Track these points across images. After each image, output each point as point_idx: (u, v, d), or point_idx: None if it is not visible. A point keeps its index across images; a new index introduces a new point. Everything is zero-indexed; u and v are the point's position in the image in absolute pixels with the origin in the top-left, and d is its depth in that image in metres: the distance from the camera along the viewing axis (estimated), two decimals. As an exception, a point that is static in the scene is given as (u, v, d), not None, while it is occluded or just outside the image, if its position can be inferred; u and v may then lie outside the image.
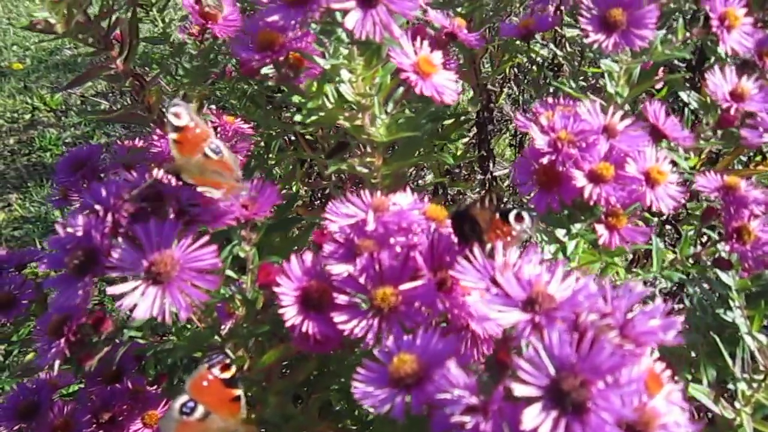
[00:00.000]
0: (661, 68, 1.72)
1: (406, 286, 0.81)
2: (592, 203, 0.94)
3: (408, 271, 0.83)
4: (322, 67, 1.01)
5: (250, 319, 0.96)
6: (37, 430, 1.28)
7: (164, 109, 1.40)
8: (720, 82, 1.10)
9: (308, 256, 0.88)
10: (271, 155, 1.69)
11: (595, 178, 0.96)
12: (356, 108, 1.09)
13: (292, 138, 1.71)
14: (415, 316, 0.80)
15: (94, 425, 1.35)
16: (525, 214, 0.88)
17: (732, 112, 1.07)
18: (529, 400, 0.58)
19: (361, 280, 0.82)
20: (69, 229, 0.79)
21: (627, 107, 1.26)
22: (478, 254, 0.79)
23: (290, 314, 0.82)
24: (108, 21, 1.30)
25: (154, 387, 1.37)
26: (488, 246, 0.82)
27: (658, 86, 1.33)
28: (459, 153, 1.80)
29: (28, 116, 4.07)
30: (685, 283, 1.18)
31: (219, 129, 1.37)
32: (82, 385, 1.38)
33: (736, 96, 1.09)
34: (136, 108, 1.42)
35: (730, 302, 1.18)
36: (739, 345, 1.24)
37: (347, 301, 0.82)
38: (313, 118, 1.07)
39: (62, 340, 0.87)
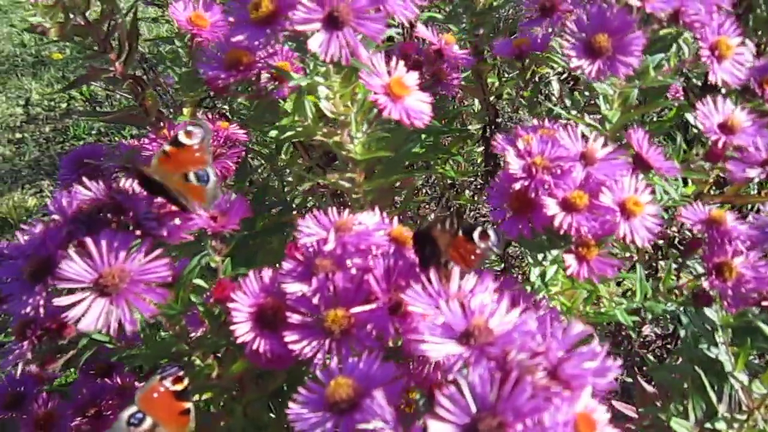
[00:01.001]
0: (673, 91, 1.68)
1: (357, 309, 0.80)
2: (562, 232, 0.92)
3: (362, 293, 0.82)
4: (297, 84, 1.00)
5: (214, 331, 0.96)
6: (22, 420, 1.30)
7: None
8: (710, 113, 1.07)
9: (268, 273, 0.88)
10: (282, 156, 1.69)
11: (567, 206, 0.94)
12: (334, 125, 1.09)
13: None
14: (365, 340, 0.80)
15: (80, 419, 1.37)
16: (491, 232, 0.87)
17: (720, 145, 1.04)
18: (445, 439, 0.57)
19: (315, 300, 0.82)
20: (26, 237, 0.80)
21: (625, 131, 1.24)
22: (434, 278, 0.78)
23: (241, 331, 0.82)
24: (108, 25, 1.32)
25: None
26: (450, 267, 0.81)
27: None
28: (462, 168, 1.79)
29: (64, 105, 4.17)
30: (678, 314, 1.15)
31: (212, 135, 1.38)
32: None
33: (727, 128, 1.06)
34: (135, 110, 1.44)
35: (716, 337, 1.15)
36: (726, 381, 1.21)
37: (299, 320, 0.82)
38: (289, 133, 1.07)
39: (25, 343, 0.88)
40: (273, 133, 1.06)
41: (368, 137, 1.08)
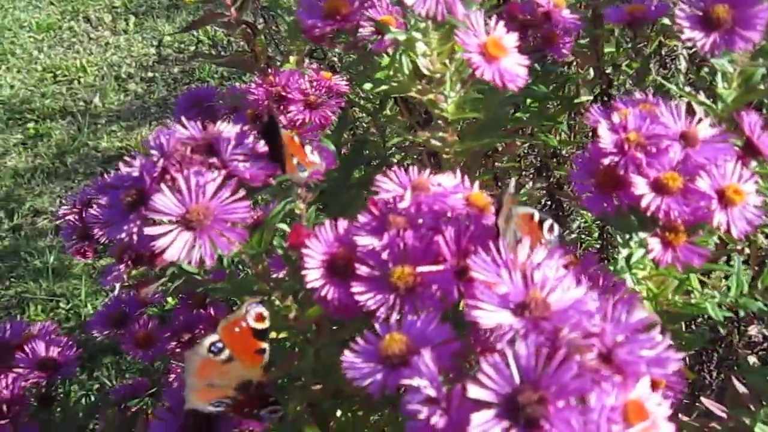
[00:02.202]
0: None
1: (424, 268, 0.81)
2: (649, 214, 0.88)
3: (430, 254, 0.83)
4: (395, 38, 1.01)
5: (291, 275, 1.00)
6: (123, 337, 1.43)
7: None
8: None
9: (343, 224, 0.90)
10: (386, 112, 1.71)
11: (659, 188, 0.89)
12: (429, 82, 1.08)
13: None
14: (428, 299, 0.81)
15: (175, 342, 1.48)
16: (556, 227, 0.87)
17: None
18: (482, 405, 0.57)
19: (384, 255, 0.84)
20: (127, 169, 0.86)
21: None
22: (503, 248, 0.77)
23: (311, 277, 0.85)
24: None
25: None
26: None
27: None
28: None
29: (192, 48, 4.37)
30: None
31: (314, 84, 1.41)
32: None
33: None
34: (246, 55, 1.50)
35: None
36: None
37: (368, 273, 0.84)
38: (383, 88, 1.07)
39: (122, 266, 0.96)
40: (367, 86, 1.07)
41: (461, 97, 1.07)
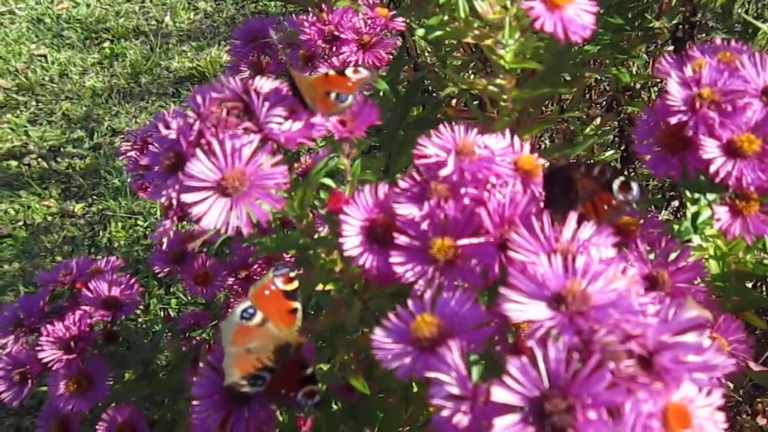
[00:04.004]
0: None
1: (464, 241, 0.77)
2: (717, 180, 0.80)
3: (472, 226, 0.79)
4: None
5: (333, 233, 0.98)
6: (183, 273, 1.48)
7: None
8: None
9: (384, 188, 0.87)
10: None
11: (732, 151, 0.80)
12: (487, 27, 1.00)
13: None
14: (468, 274, 0.77)
15: (232, 279, 1.52)
16: (634, 185, 0.79)
17: None
18: (507, 409, 0.55)
19: (424, 225, 0.80)
20: (165, 131, 0.85)
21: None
22: (546, 223, 0.72)
23: (349, 245, 0.83)
24: None
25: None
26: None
27: None
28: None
29: (259, -34, 4.27)
30: None
31: (369, 23, 1.34)
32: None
33: None
34: (300, -11, 1.44)
35: None
36: None
37: (407, 243, 0.81)
38: (438, 33, 1.00)
39: (167, 222, 0.97)
40: (420, 32, 1.00)
41: (520, 45, 0.99)
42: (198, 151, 0.80)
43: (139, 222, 3.16)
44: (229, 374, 0.83)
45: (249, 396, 0.87)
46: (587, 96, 1.82)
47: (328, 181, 1.03)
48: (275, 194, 0.81)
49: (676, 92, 0.82)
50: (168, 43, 3.95)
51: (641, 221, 0.96)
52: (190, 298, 2.72)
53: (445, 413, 0.58)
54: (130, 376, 1.42)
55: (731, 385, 1.69)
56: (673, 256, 0.91)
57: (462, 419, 0.57)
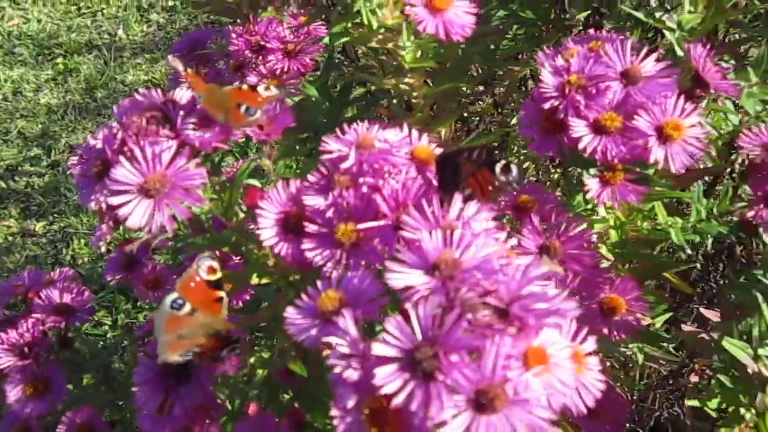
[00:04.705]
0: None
1: (363, 225, 0.87)
2: (587, 155, 0.91)
3: (371, 211, 0.88)
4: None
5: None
6: (134, 279, 1.54)
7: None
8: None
9: (295, 183, 0.96)
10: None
11: (598, 129, 0.91)
12: (389, 31, 1.10)
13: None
14: (370, 254, 0.87)
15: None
16: (513, 167, 0.88)
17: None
18: (386, 360, 0.64)
19: (329, 213, 0.89)
20: (92, 141, 0.93)
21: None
22: (435, 204, 0.82)
23: (265, 235, 0.92)
24: None
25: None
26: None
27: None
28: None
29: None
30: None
31: (294, 31, 1.43)
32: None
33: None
34: (230, 4, 1.51)
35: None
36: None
37: (316, 230, 0.90)
38: (345, 39, 1.09)
39: (104, 226, 1.04)
40: (326, 39, 1.09)
41: (418, 46, 1.08)
42: (121, 158, 0.88)
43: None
44: (163, 354, 0.91)
45: (187, 380, 0.96)
46: (521, 88, 1.92)
47: (254, 182, 1.11)
48: (196, 193, 0.89)
49: (548, 80, 0.93)
50: (122, 56, 3.98)
51: (537, 198, 1.07)
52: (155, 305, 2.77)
53: (337, 370, 0.67)
54: (88, 380, 1.48)
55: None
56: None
57: (352, 374, 0.66)
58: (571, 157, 0.95)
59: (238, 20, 1.53)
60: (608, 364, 2.06)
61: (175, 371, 0.96)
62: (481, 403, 0.61)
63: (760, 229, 0.96)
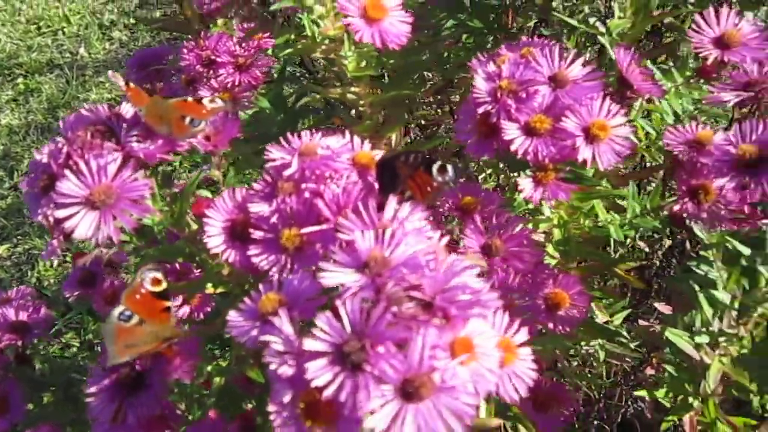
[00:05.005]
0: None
1: (306, 229, 0.90)
2: (519, 157, 0.95)
3: (314, 216, 0.91)
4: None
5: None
6: (93, 296, 1.55)
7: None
8: (708, 25, 1.00)
9: (241, 192, 0.98)
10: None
11: (529, 131, 0.95)
12: (332, 42, 1.13)
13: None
14: (313, 257, 0.90)
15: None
16: (449, 167, 0.92)
17: (710, 61, 0.98)
18: (318, 355, 0.67)
19: (274, 219, 0.92)
20: (38, 156, 0.95)
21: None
22: (371, 206, 0.85)
23: (212, 243, 0.95)
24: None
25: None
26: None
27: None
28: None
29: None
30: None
31: (242, 44, 1.46)
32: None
33: (722, 43, 0.99)
34: (179, 19, 1.54)
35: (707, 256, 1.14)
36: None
37: (261, 236, 0.93)
38: (288, 51, 1.13)
39: (55, 241, 1.06)
40: (269, 51, 1.12)
41: (359, 55, 1.12)
42: (66, 172, 0.90)
43: (68, 259, 3.15)
44: (111, 359, 0.93)
45: (140, 389, 0.98)
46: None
47: (206, 193, 1.14)
48: (143, 204, 0.92)
49: (481, 86, 0.97)
50: (84, 75, 3.97)
51: (481, 200, 1.11)
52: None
53: (272, 367, 0.70)
54: (49, 398, 1.49)
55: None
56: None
57: (286, 370, 0.69)
58: (505, 160, 0.99)
59: (190, 36, 1.56)
60: (574, 363, 2.12)
61: (129, 380, 0.98)
62: (408, 391, 0.65)
63: (689, 222, 1.01)
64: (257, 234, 0.92)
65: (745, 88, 0.94)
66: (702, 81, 1.04)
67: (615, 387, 2.16)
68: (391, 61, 1.17)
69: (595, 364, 2.17)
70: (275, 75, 1.57)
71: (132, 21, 4.32)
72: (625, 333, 1.76)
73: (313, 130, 1.01)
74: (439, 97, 1.88)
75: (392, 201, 0.85)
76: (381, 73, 1.27)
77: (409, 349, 0.66)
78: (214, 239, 0.95)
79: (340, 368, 0.66)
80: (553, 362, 1.83)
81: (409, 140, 1.86)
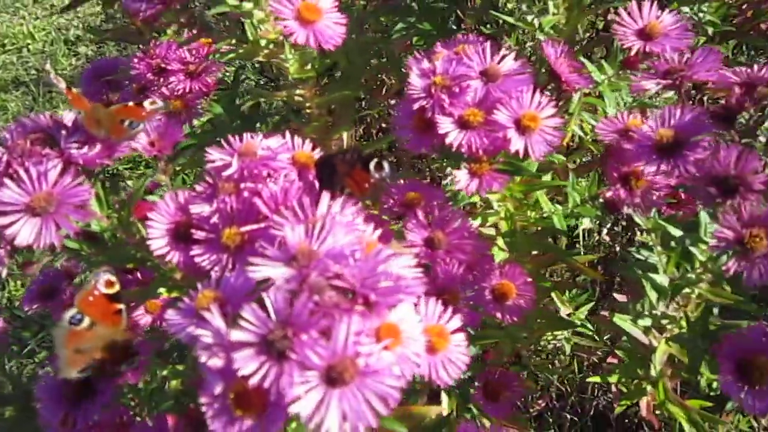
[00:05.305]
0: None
1: (245, 228, 0.92)
2: (454, 149, 0.97)
3: (253, 214, 0.93)
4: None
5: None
6: (54, 309, 1.56)
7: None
8: (632, 18, 1.04)
9: (184, 194, 1.00)
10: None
11: (462, 124, 0.98)
12: (274, 45, 1.16)
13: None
14: (254, 255, 0.91)
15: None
16: (384, 163, 0.95)
17: (633, 52, 1.02)
18: (244, 345, 0.69)
19: (215, 219, 0.94)
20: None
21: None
22: (305, 202, 0.87)
23: (155, 245, 0.96)
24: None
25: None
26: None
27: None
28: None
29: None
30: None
31: (194, 51, 1.48)
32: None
33: (645, 34, 1.03)
34: (130, 29, 1.56)
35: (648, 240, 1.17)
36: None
37: (203, 236, 0.94)
38: (231, 55, 1.15)
39: (1, 251, 1.07)
40: (212, 56, 1.14)
41: (301, 57, 1.14)
42: (6, 180, 0.91)
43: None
44: (63, 370, 0.94)
45: (89, 393, 0.98)
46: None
47: (154, 198, 1.15)
48: (85, 209, 0.93)
49: (416, 82, 1.00)
50: (51, 91, 3.95)
51: (425, 195, 1.13)
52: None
53: (203, 359, 0.71)
54: (11, 412, 1.49)
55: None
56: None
57: (216, 362, 0.71)
58: (442, 153, 1.02)
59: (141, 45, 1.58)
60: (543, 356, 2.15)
61: (77, 385, 0.98)
62: (332, 377, 0.67)
63: (623, 208, 1.04)
64: (199, 234, 0.94)
65: (665, 77, 0.97)
66: (629, 71, 1.07)
67: (586, 380, 2.19)
68: (335, 63, 1.19)
69: (562, 357, 2.20)
70: (230, 81, 1.59)
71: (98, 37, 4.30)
72: (589, 326, 1.79)
73: (257, 133, 1.03)
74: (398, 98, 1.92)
75: (326, 196, 0.87)
76: (332, 75, 1.29)
77: (333, 336, 0.68)
78: (157, 241, 0.96)
79: (266, 357, 0.68)
80: (515, 355, 1.86)
81: (365, 140, 1.89)
